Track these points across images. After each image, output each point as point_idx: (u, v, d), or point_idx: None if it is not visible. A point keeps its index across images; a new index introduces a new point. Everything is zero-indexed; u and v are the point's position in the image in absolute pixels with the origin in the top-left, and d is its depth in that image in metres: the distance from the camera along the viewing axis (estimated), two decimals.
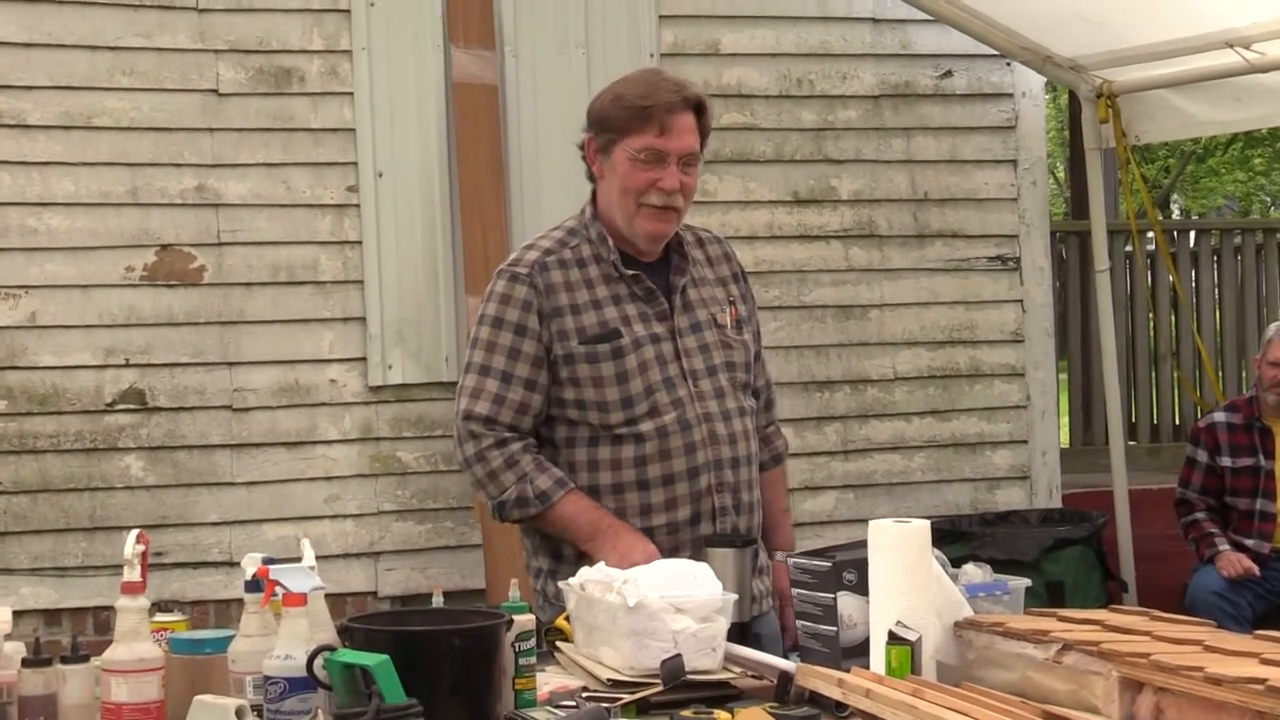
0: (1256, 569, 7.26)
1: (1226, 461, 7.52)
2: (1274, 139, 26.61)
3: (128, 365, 7.07)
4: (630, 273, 3.96)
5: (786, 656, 3.40)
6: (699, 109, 3.94)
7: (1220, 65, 7.08)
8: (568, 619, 3.52)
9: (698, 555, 3.73)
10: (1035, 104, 8.36)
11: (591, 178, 4.04)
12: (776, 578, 4.13)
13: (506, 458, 3.85)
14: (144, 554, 3.04)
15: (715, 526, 3.92)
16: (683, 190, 3.91)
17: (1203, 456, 7.58)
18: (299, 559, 3.18)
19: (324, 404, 7.30)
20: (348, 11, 7.33)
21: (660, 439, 3.89)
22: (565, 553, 3.93)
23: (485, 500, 3.91)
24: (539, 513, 3.84)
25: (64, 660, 2.95)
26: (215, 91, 7.19)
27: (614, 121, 3.91)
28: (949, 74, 8.18)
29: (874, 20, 8.07)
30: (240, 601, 3.06)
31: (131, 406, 7.07)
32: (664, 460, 3.90)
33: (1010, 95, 8.27)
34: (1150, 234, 9.93)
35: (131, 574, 2.98)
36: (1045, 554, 7.41)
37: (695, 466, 3.91)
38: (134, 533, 3.06)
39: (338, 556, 7.13)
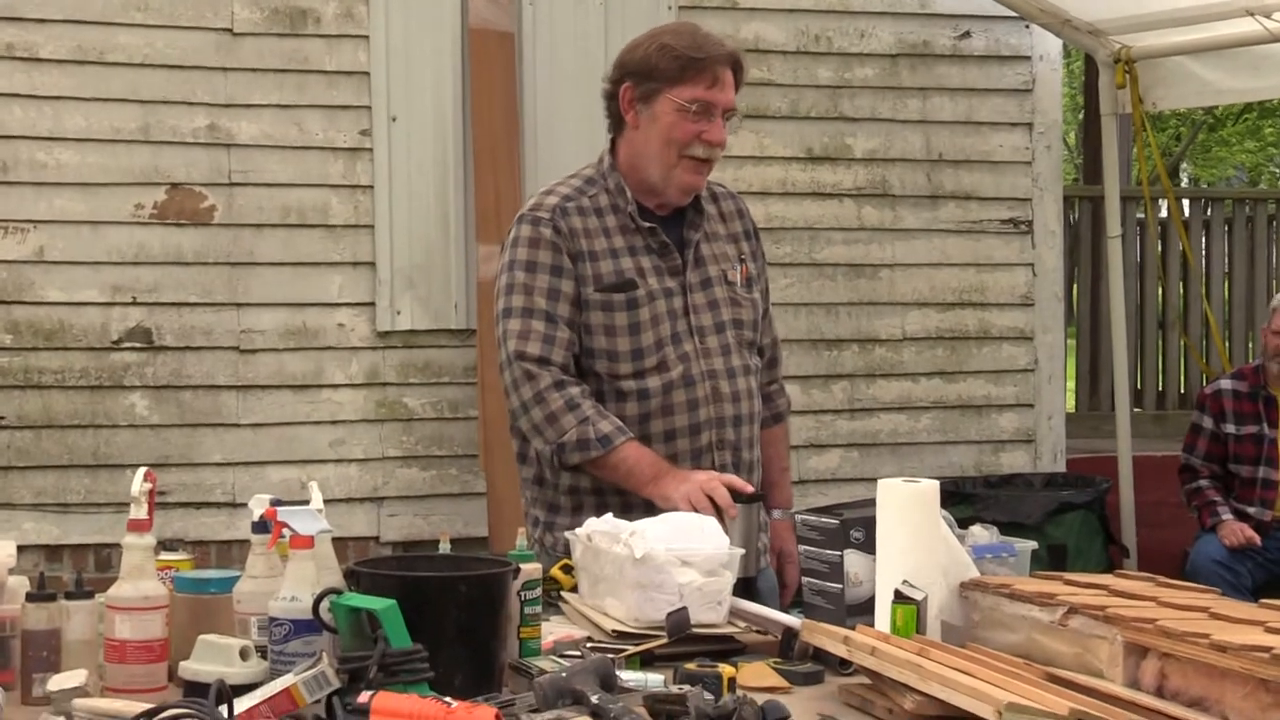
0: (1258, 539, 7.27)
1: (1231, 429, 7.52)
2: None
3: (135, 303, 7.06)
4: (647, 225, 3.94)
5: (788, 612, 3.39)
6: (737, 66, 3.94)
7: (1240, 33, 7.05)
8: (563, 569, 3.52)
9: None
10: (1052, 68, 8.33)
11: (614, 127, 4.00)
12: (775, 536, 4.13)
13: (567, 400, 3.80)
14: (151, 492, 3.03)
15: None
16: (721, 145, 3.92)
17: (1208, 423, 7.58)
18: (306, 501, 3.18)
19: (331, 348, 7.29)
20: None
21: (664, 394, 3.88)
22: (562, 504, 3.93)
23: (541, 445, 3.83)
24: (599, 456, 3.78)
25: (68, 596, 2.95)
26: (230, 30, 7.16)
27: (662, 71, 3.88)
28: (967, 35, 8.15)
29: None
30: (242, 543, 3.07)
31: (138, 345, 7.06)
32: (666, 416, 3.89)
33: (1028, 58, 8.24)
34: (1162, 201, 9.90)
35: (138, 511, 2.97)
36: (1048, 517, 7.42)
37: (697, 423, 3.91)
38: (141, 470, 3.05)
39: (341, 500, 7.13)
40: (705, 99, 3.86)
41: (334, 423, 7.29)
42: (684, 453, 3.89)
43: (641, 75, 3.91)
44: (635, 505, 3.74)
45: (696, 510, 3.55)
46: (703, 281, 4.00)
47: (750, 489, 3.71)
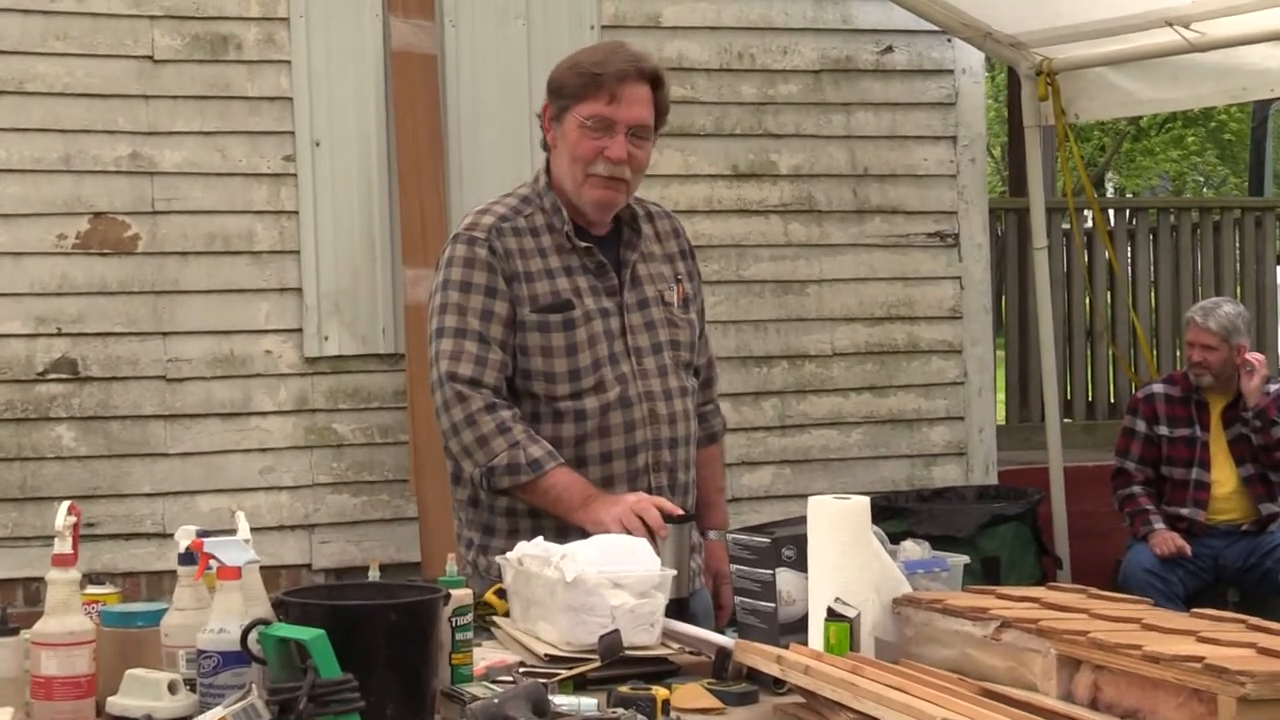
0: (1188, 549, 7.32)
1: (1164, 431, 7.57)
2: (1208, 119, 26.81)
3: (60, 334, 7.00)
4: (583, 245, 3.92)
5: (723, 633, 3.38)
6: (655, 82, 3.91)
7: (1160, 44, 7.11)
8: (497, 593, 3.50)
9: None
10: (975, 81, 8.37)
11: (545, 146, 3.99)
12: (711, 556, 4.11)
13: (499, 423, 3.77)
14: (75, 525, 3.00)
15: None
16: (631, 162, 3.87)
17: (1141, 426, 7.62)
18: (233, 531, 3.15)
19: (259, 375, 7.24)
20: None
21: (602, 415, 3.87)
22: (498, 526, 3.90)
23: (470, 468, 3.80)
24: (529, 481, 3.76)
25: None
26: (150, 58, 7.11)
27: (568, 88, 3.88)
28: (890, 50, 8.18)
29: None
30: (173, 573, 3.03)
31: (63, 376, 7.00)
32: (603, 437, 3.87)
33: (951, 72, 8.27)
34: (1087, 212, 9.97)
35: (63, 546, 2.94)
36: (981, 530, 7.45)
37: (634, 445, 3.89)
38: (65, 504, 3.02)
39: (272, 528, 7.09)
40: (604, 115, 3.83)
41: (263, 450, 7.24)
42: (620, 474, 3.87)
43: (555, 94, 3.92)
44: (571, 529, 3.72)
45: (628, 531, 3.53)
46: (640, 302, 3.98)
47: (679, 511, 3.70)
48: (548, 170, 4.00)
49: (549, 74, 4.00)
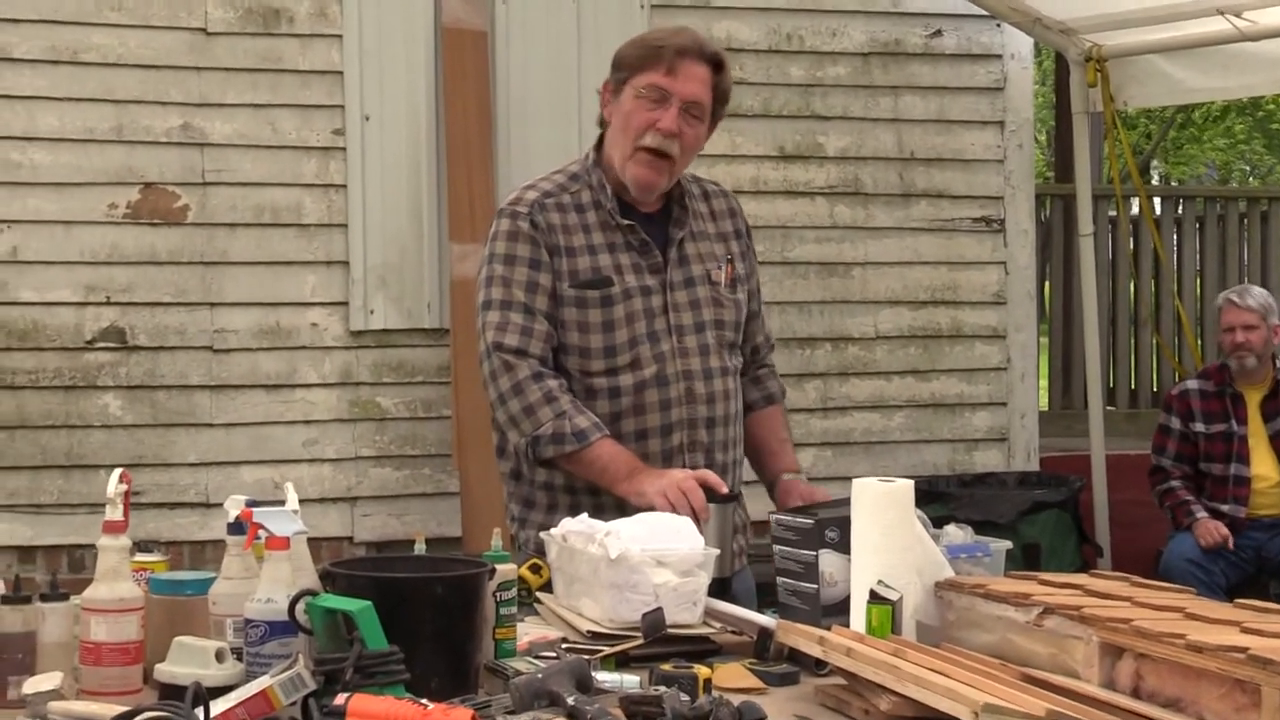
0: (1231, 539, 7.29)
1: (1200, 428, 7.54)
2: (1255, 107, 26.64)
3: (109, 303, 7.04)
4: (626, 223, 3.93)
5: (763, 612, 3.40)
6: (716, 65, 3.93)
7: (1211, 32, 7.07)
8: (531, 568, 3.51)
9: None
10: (1024, 66, 8.36)
11: (601, 123, 4.01)
12: (791, 495, 4.00)
13: (545, 393, 3.78)
14: (126, 493, 3.04)
15: None
16: (682, 139, 3.87)
17: (1176, 424, 7.60)
18: (281, 502, 3.18)
19: (305, 347, 7.28)
20: None
21: (636, 393, 3.87)
22: (537, 499, 3.91)
23: (516, 438, 3.81)
24: (573, 451, 3.76)
25: (43, 598, 2.94)
26: (204, 30, 7.15)
27: (628, 60, 3.91)
28: (939, 33, 8.16)
29: None
30: (215, 543, 3.07)
31: (111, 345, 7.04)
32: (638, 415, 3.87)
33: (999, 57, 8.26)
34: (1134, 199, 9.94)
35: (114, 513, 2.97)
36: (1022, 516, 7.44)
37: (669, 423, 3.89)
38: (117, 472, 3.05)
39: (314, 500, 7.11)
40: (660, 84, 3.84)
41: (307, 422, 7.28)
42: (655, 453, 3.87)
43: (615, 68, 3.94)
44: (608, 505, 3.73)
45: (673, 507, 3.54)
46: (685, 280, 3.98)
47: (725, 488, 3.71)
48: (598, 147, 4.01)
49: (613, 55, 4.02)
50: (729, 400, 4.01)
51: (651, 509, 3.53)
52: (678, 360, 3.92)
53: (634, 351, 3.88)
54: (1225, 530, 7.29)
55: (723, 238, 4.09)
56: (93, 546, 2.90)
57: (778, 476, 4.09)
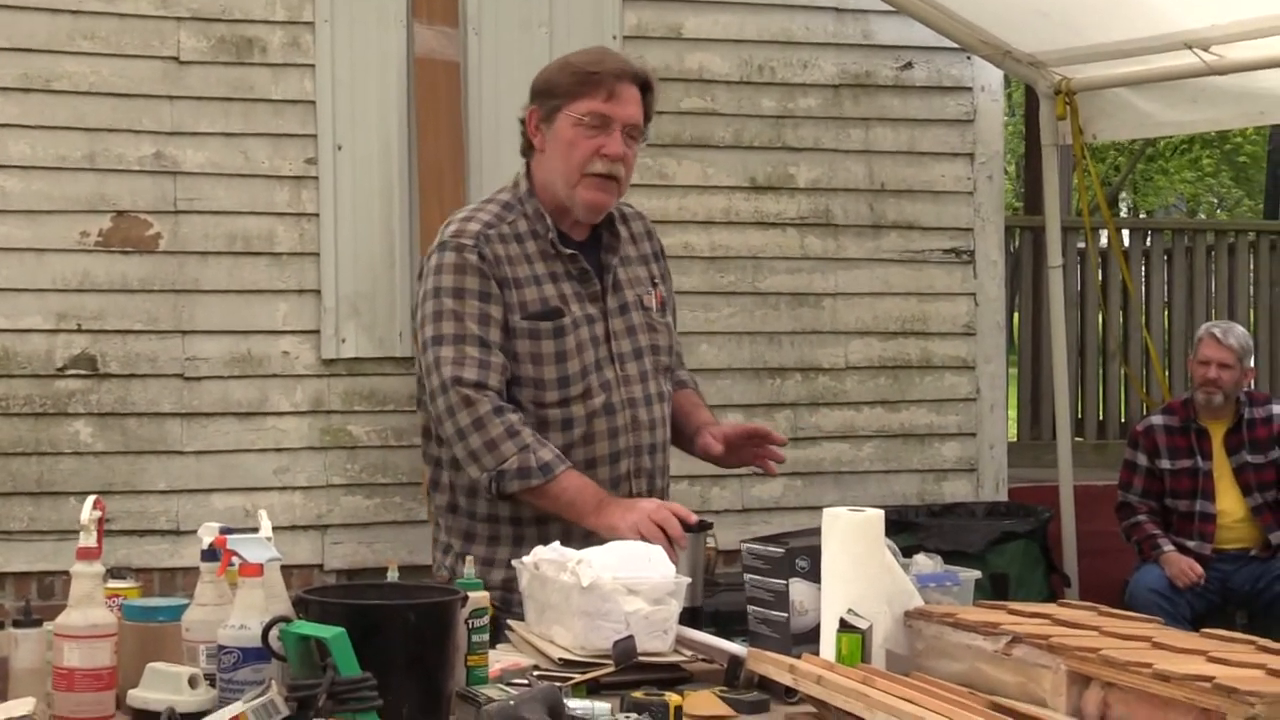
0: (1203, 576, 7.31)
1: (1166, 464, 7.57)
2: (1223, 140, 26.81)
3: (80, 330, 7.04)
4: (569, 252, 3.92)
5: (735, 640, 3.41)
6: (645, 86, 3.93)
7: (1179, 66, 7.13)
8: None
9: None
10: (994, 99, 8.41)
11: (525, 151, 4.00)
12: (708, 438, 4.09)
13: (507, 427, 3.75)
14: (100, 520, 3.05)
15: None
16: (624, 162, 3.89)
17: (1142, 460, 7.62)
18: (252, 529, 3.19)
19: (276, 375, 7.28)
20: None
21: (588, 423, 3.88)
22: (478, 532, 3.90)
23: (478, 473, 3.78)
24: (540, 485, 3.74)
25: (16, 624, 2.95)
26: (176, 59, 7.16)
27: (560, 87, 3.88)
28: (909, 66, 8.21)
29: (836, 10, 8.08)
30: (185, 570, 3.09)
31: (82, 372, 7.04)
32: (588, 444, 3.88)
33: (969, 89, 8.30)
34: (1102, 231, 9.99)
35: (87, 539, 2.98)
36: (991, 546, 7.46)
37: (617, 451, 3.91)
38: (91, 498, 3.06)
39: (285, 528, 7.09)
40: (601, 111, 3.84)
41: (278, 450, 7.28)
42: (603, 481, 3.87)
43: (544, 95, 3.92)
44: (553, 536, 3.72)
45: (647, 540, 3.55)
46: (621, 307, 3.99)
47: (695, 519, 3.72)
48: (528, 175, 4.00)
49: (533, 80, 4.01)
50: (665, 426, 4.06)
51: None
52: (622, 389, 3.94)
53: (584, 382, 3.89)
54: (1199, 569, 7.32)
55: (644, 260, 4.11)
56: (62, 573, 2.92)
57: (698, 428, 4.13)
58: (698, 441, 4.13)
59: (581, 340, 3.89)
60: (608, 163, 3.86)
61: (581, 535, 3.73)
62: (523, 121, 3.98)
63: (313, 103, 7.31)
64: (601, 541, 3.52)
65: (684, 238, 7.79)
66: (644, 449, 3.96)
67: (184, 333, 7.16)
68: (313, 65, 7.31)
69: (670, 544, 3.56)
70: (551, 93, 3.91)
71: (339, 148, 7.32)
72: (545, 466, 3.75)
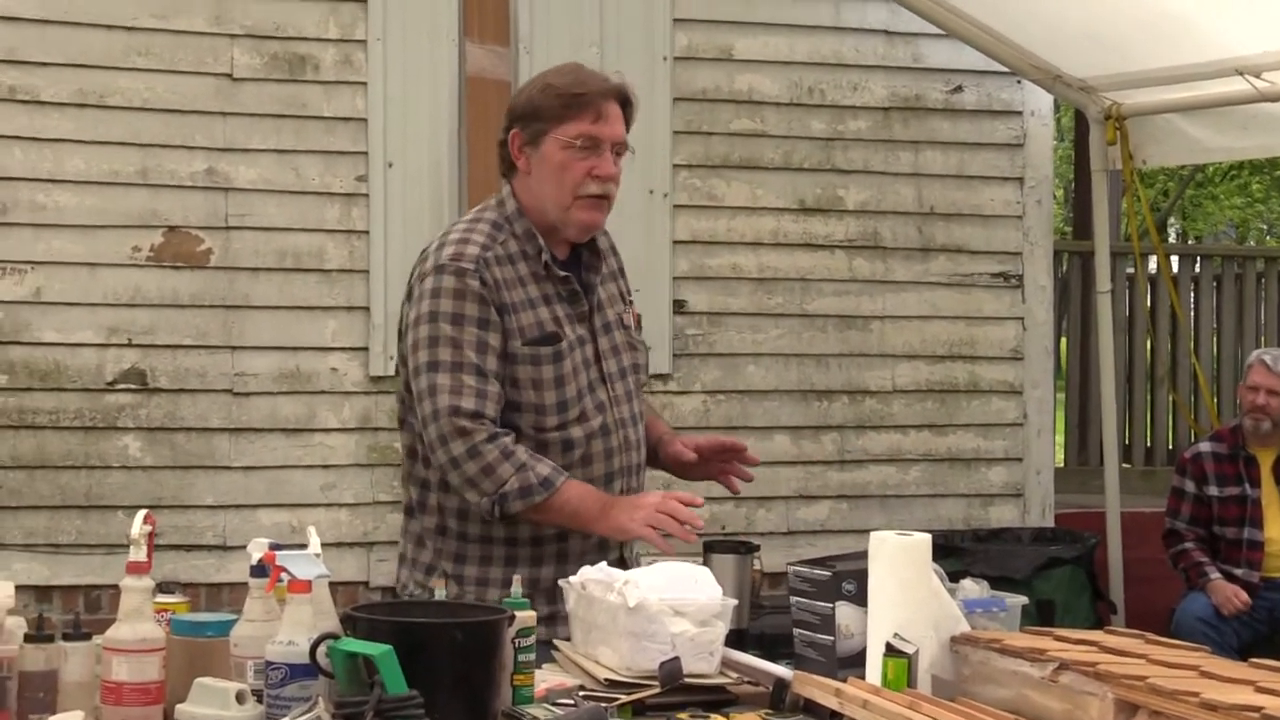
0: (1248, 601, 7.27)
1: (1214, 491, 7.53)
2: (1273, 166, 26.65)
3: (130, 345, 7.09)
4: (562, 274, 3.90)
5: (780, 663, 3.41)
6: (625, 101, 3.92)
7: (1229, 92, 7.09)
8: None
9: (604, 556, 3.74)
10: (1043, 123, 8.40)
11: (507, 173, 3.96)
12: (670, 447, 4.11)
13: (502, 450, 3.71)
14: (150, 534, 3.06)
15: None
16: (615, 180, 3.88)
17: (1190, 487, 7.58)
18: (300, 545, 3.20)
19: (324, 392, 7.31)
20: (364, 1, 7.35)
21: (586, 444, 3.87)
22: (470, 553, 3.86)
23: (477, 498, 3.73)
24: (543, 500, 3.71)
25: (65, 637, 2.96)
26: (229, 76, 7.21)
27: (546, 110, 3.84)
28: (959, 89, 8.21)
29: (887, 33, 8.09)
30: (231, 585, 3.10)
31: (132, 386, 7.08)
32: (585, 466, 3.86)
33: (1019, 113, 8.30)
34: (1151, 257, 9.95)
35: (138, 553, 2.99)
36: (1037, 572, 7.43)
37: (612, 471, 3.91)
38: (141, 513, 3.08)
39: (331, 545, 7.09)
40: (591, 133, 3.82)
41: (325, 467, 7.31)
42: None
43: (528, 118, 3.88)
44: (548, 555, 3.77)
45: (660, 532, 3.57)
46: (604, 326, 3.99)
47: (700, 501, 3.70)
48: (514, 196, 3.96)
49: (511, 101, 4.00)
50: (645, 445, 4.05)
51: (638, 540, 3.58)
52: (613, 409, 3.93)
53: (581, 404, 3.87)
54: (1245, 596, 7.28)
55: (613, 277, 4.10)
56: (110, 587, 2.94)
57: (660, 438, 4.13)
58: (665, 449, 4.13)
59: (576, 363, 3.87)
60: (601, 183, 3.85)
61: (577, 555, 3.77)
62: (503, 144, 3.95)
63: (364, 120, 7.35)
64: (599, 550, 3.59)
65: (732, 259, 7.81)
66: (633, 469, 3.97)
67: (233, 348, 7.20)
68: (365, 83, 7.35)
69: (682, 527, 3.59)
70: (536, 116, 3.87)
71: (390, 165, 7.35)
72: (545, 481, 3.72)
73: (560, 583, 3.53)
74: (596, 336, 3.94)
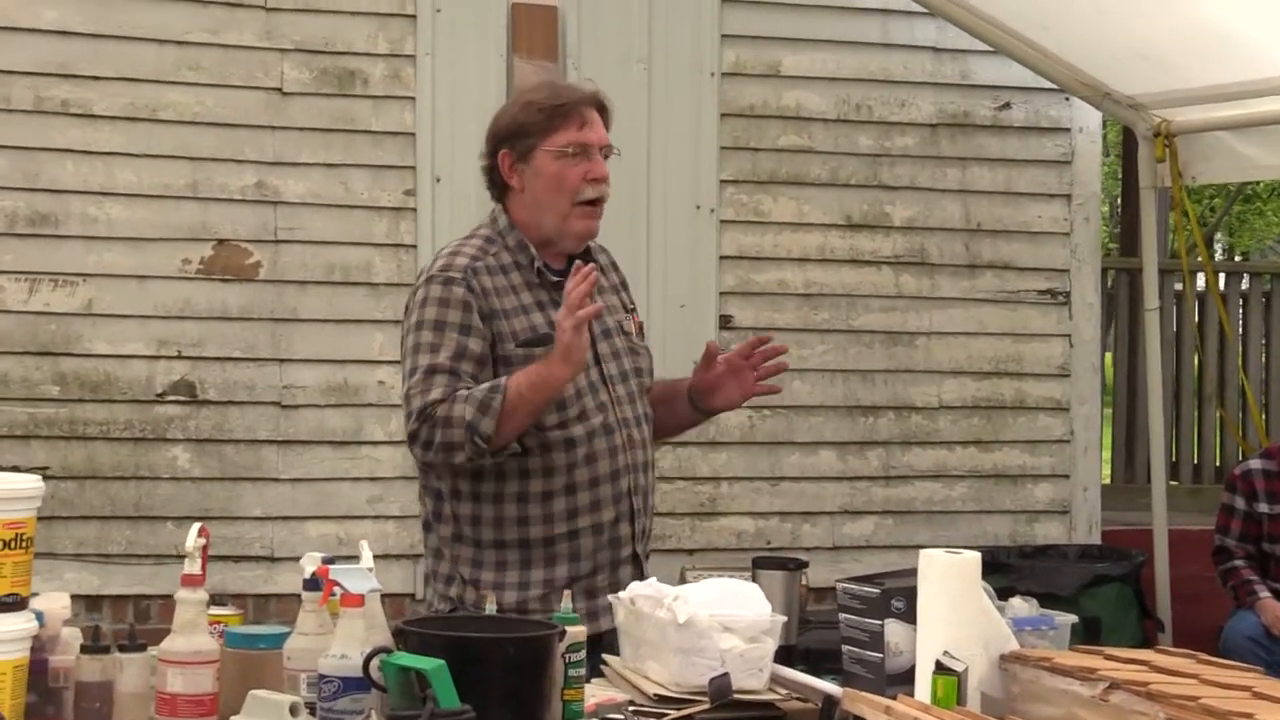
0: None
1: (1264, 508, 7.48)
2: None
3: (180, 357, 7.13)
4: (554, 279, 3.99)
5: (829, 680, 3.42)
6: (601, 107, 4.05)
7: (1279, 110, 7.07)
8: None
9: (616, 554, 3.87)
10: (1092, 140, 8.38)
11: (498, 196, 4.06)
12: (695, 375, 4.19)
13: (450, 400, 3.76)
14: (204, 547, 3.09)
15: (633, 528, 4.00)
16: (606, 182, 4.01)
17: (1240, 504, 7.54)
18: (353, 559, 3.22)
19: (371, 405, 7.34)
20: (413, 17, 7.38)
21: (589, 442, 3.94)
22: (485, 560, 3.93)
23: (463, 453, 3.77)
24: (501, 404, 3.72)
25: (121, 648, 2.99)
26: (279, 90, 7.25)
27: (533, 125, 3.96)
28: (1007, 106, 8.20)
29: (935, 49, 8.08)
30: (279, 597, 3.11)
31: (181, 398, 7.12)
32: (590, 463, 3.94)
33: (1067, 130, 8.28)
34: (1199, 274, 9.92)
35: (192, 566, 3.03)
36: (1083, 590, 7.40)
37: (617, 469, 3.98)
38: (196, 525, 3.11)
39: (378, 557, 7.05)
40: (579, 140, 3.96)
41: (372, 479, 7.34)
42: (606, 499, 3.96)
43: (515, 136, 3.99)
44: (559, 557, 3.87)
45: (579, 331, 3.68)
46: (604, 332, 4.07)
47: (599, 306, 3.80)
48: (506, 214, 4.06)
49: (492, 125, 4.07)
50: (651, 446, 4.14)
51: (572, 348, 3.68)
52: (615, 409, 4.02)
53: (581, 403, 3.95)
54: None
55: (615, 290, 4.21)
56: (159, 597, 2.97)
57: (678, 384, 4.23)
58: (692, 380, 4.19)
59: None
60: (597, 186, 3.98)
61: (589, 552, 3.89)
62: (489, 169, 4.05)
63: (413, 135, 7.38)
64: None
65: (778, 274, 7.82)
66: (639, 466, 4.04)
67: (281, 361, 7.24)
68: (413, 98, 7.38)
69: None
70: (523, 132, 3.98)
71: (438, 180, 7.38)
72: (492, 388, 3.77)
73: (610, 598, 3.56)
74: (595, 341, 3.99)
